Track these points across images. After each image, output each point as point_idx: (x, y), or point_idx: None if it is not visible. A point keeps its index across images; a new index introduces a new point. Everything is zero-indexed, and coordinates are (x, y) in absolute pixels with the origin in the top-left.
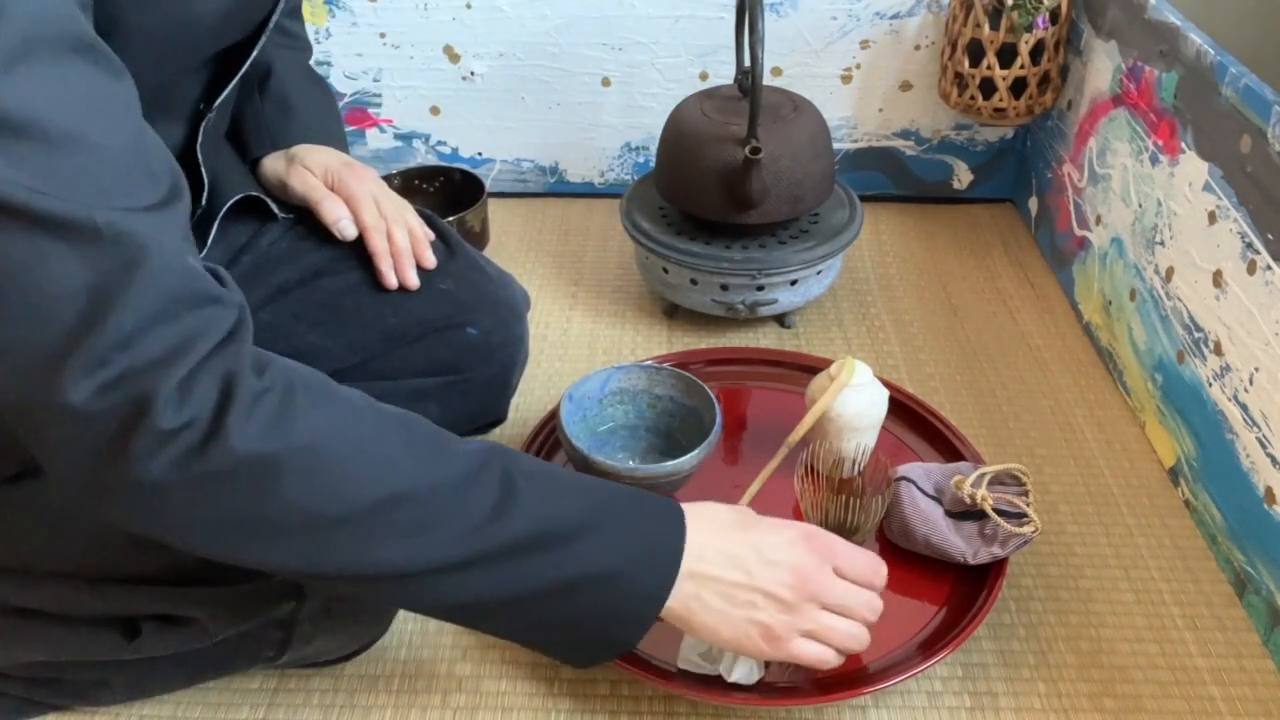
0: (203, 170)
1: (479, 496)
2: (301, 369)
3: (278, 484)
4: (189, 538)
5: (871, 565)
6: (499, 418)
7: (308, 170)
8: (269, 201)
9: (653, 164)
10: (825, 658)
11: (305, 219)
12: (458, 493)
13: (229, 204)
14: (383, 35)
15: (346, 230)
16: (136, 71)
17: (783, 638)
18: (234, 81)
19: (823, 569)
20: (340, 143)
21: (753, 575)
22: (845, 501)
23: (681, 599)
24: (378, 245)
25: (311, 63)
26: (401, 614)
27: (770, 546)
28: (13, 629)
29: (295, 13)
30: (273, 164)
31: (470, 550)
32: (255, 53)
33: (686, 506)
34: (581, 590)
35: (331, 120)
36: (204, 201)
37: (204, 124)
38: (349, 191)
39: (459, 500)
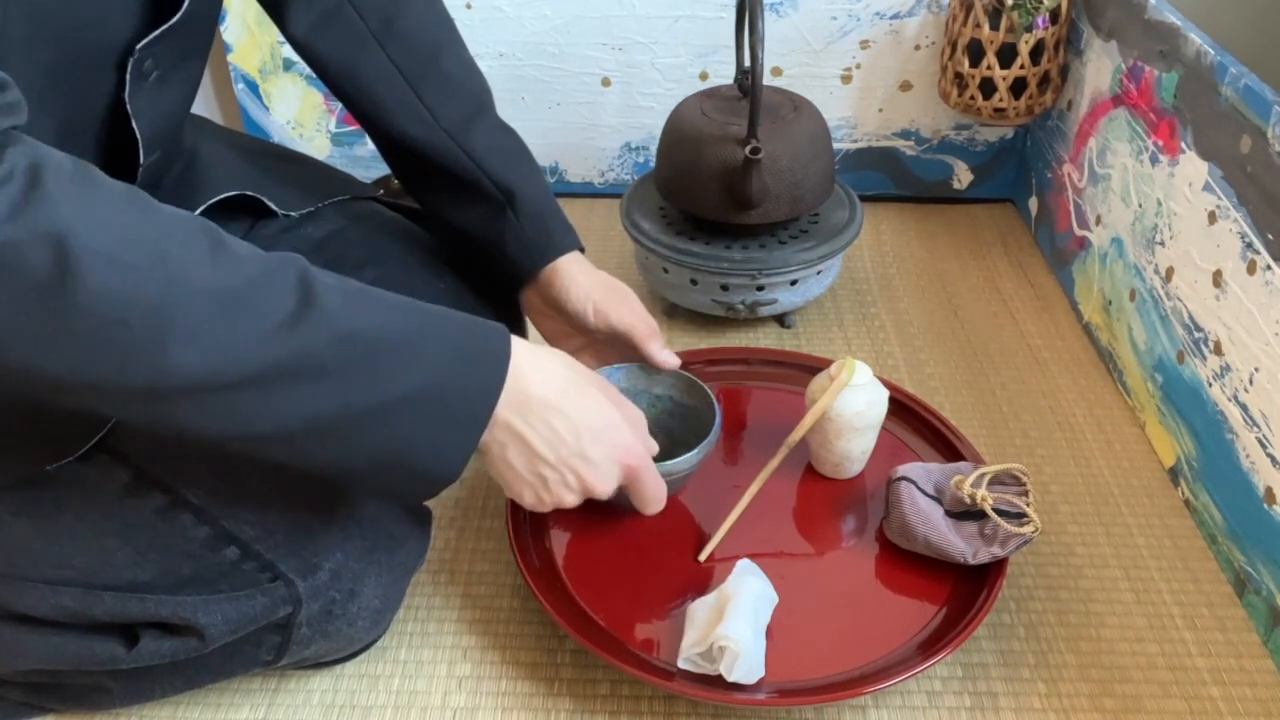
0: (133, 122)
1: (274, 300)
2: (56, 153)
3: (29, 280)
4: None
5: (656, 499)
6: None
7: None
8: (264, 200)
9: (653, 164)
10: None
11: (306, 222)
12: (248, 294)
13: (213, 200)
14: None
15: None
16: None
17: (545, 505)
18: (169, 23)
19: (621, 481)
20: (561, 220)
21: (560, 458)
22: None
23: (491, 439)
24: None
25: None
26: (401, 614)
27: (591, 438)
28: (11, 637)
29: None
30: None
31: (269, 359)
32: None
33: (519, 343)
34: (394, 411)
35: (550, 198)
36: (141, 160)
37: (130, 67)
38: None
39: (251, 303)
